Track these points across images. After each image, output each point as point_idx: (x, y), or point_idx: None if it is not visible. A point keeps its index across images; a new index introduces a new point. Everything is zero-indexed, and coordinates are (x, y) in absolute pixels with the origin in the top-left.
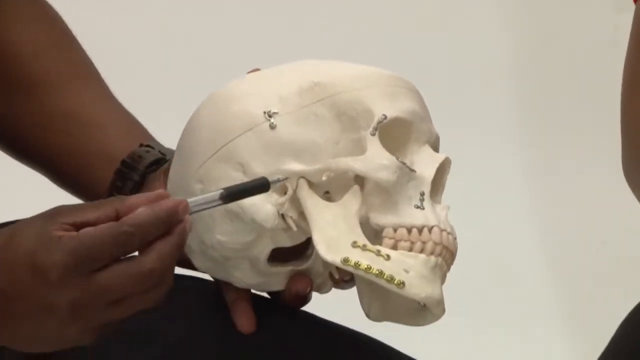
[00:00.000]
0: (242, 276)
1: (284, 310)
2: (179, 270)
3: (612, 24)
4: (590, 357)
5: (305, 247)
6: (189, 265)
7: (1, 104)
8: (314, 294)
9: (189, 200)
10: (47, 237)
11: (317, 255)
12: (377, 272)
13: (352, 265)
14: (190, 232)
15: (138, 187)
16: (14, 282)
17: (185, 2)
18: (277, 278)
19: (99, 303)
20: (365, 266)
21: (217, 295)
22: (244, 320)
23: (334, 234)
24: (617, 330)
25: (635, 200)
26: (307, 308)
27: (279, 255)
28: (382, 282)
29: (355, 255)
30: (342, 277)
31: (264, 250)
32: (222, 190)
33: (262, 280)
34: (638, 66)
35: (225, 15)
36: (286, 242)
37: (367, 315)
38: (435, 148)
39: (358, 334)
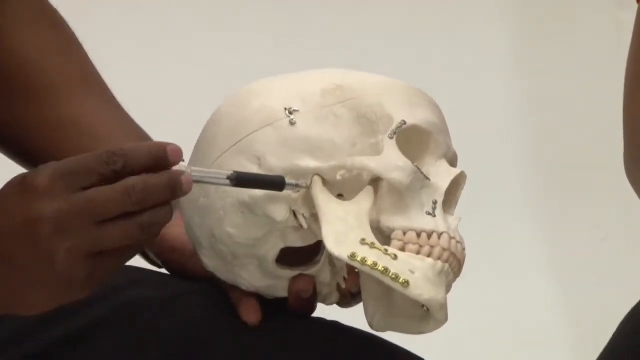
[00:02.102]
0: (250, 278)
1: (290, 314)
2: None
3: (615, 20)
4: (591, 354)
5: (314, 254)
6: (195, 274)
7: (6, 110)
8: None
9: (195, 167)
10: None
11: (326, 263)
12: (383, 269)
13: (358, 261)
14: (187, 193)
15: None
16: (4, 211)
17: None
18: (284, 282)
19: (85, 219)
20: (372, 263)
21: (221, 299)
22: (251, 312)
23: (344, 230)
24: (617, 328)
25: (636, 196)
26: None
27: (288, 263)
28: (387, 280)
29: (363, 252)
30: (350, 288)
31: (273, 249)
32: (233, 172)
33: (269, 283)
34: None
35: (231, 26)
36: (296, 241)
37: (371, 325)
38: (453, 165)
39: (367, 334)
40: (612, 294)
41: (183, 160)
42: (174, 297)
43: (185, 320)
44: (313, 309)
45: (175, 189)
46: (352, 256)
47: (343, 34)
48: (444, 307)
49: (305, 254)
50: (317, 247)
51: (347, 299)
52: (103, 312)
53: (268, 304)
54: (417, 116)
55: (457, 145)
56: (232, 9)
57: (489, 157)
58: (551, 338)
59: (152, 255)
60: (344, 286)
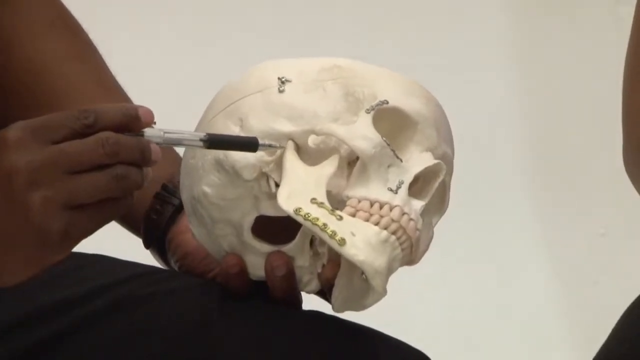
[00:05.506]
0: (230, 250)
1: (288, 310)
2: None
3: (613, 16)
4: (590, 349)
5: (294, 234)
6: (205, 276)
7: (22, 116)
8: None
9: (167, 129)
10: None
11: (305, 246)
12: (322, 225)
13: (301, 216)
14: (156, 160)
15: (177, 212)
16: None
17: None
18: (262, 258)
19: (58, 169)
20: (313, 218)
21: (221, 291)
22: (230, 265)
23: (298, 189)
24: (617, 323)
25: (634, 191)
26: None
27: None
28: (325, 237)
29: (309, 209)
30: (328, 277)
31: (248, 215)
32: (205, 134)
33: (249, 258)
34: (639, 60)
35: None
36: (269, 210)
37: (333, 306)
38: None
39: (365, 329)
40: (611, 289)
41: (155, 123)
42: (173, 290)
43: (184, 312)
44: (293, 293)
45: (144, 152)
46: (297, 211)
47: (343, 34)
48: (379, 273)
49: (287, 237)
50: (297, 228)
51: (328, 290)
52: (103, 305)
53: (265, 301)
54: (405, 103)
55: (456, 140)
56: (237, 9)
57: (487, 153)
58: (550, 333)
59: (172, 263)
60: (319, 270)
